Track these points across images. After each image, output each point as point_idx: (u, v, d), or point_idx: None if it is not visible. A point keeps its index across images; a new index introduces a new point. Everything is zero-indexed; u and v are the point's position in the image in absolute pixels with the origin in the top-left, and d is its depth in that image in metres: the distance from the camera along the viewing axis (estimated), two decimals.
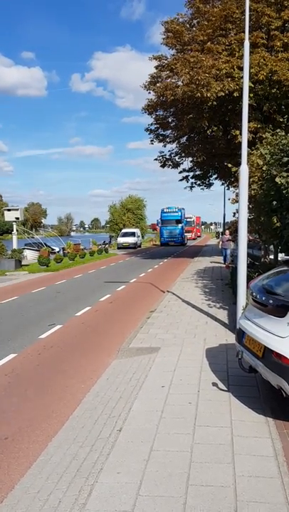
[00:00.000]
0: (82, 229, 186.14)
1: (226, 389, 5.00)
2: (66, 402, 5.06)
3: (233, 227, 27.06)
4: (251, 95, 16.66)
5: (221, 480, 3.20)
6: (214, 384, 5.17)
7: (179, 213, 47.32)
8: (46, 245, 32.12)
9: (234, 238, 18.21)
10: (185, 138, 25.57)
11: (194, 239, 63.19)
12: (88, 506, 2.99)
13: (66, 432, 4.28)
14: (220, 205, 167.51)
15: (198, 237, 73.25)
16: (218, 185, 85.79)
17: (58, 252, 30.89)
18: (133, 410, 4.53)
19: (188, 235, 56.75)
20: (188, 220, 60.03)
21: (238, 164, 7.56)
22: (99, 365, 6.35)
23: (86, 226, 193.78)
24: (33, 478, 3.50)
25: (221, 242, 22.26)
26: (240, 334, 4.82)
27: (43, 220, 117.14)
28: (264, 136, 9.31)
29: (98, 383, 5.59)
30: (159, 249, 40.12)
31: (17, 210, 25.99)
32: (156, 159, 27.24)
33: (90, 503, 3.02)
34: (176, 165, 27.31)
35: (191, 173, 28.21)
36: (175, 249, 38.38)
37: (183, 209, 49.47)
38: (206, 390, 4.98)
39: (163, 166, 27.42)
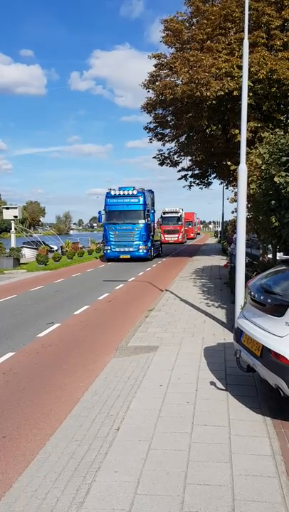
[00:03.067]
0: (90, 227, 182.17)
1: (223, 388, 5.00)
2: (64, 401, 5.06)
3: (231, 226, 26.93)
4: (251, 94, 16.64)
5: (219, 479, 3.21)
6: (212, 383, 5.17)
7: (142, 200, 24.61)
8: (44, 244, 32.07)
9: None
10: (184, 137, 25.53)
11: (182, 242, 44.86)
12: (86, 505, 2.99)
13: (64, 431, 4.28)
14: (219, 204, 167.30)
15: (192, 238, 56.47)
16: (216, 184, 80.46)
17: (56, 250, 30.90)
18: (131, 409, 4.53)
19: (172, 238, 43.15)
20: (169, 215, 44.62)
21: (238, 163, 7.56)
22: (97, 364, 6.35)
23: (95, 225, 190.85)
24: (30, 476, 3.50)
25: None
26: (239, 333, 4.83)
27: (41, 219, 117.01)
28: (263, 135, 9.31)
29: (96, 382, 5.59)
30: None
31: (15, 208, 25.95)
32: (154, 157, 27.24)
33: (87, 502, 3.02)
34: (174, 164, 27.30)
35: (190, 172, 28.20)
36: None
37: (150, 192, 27.52)
38: (204, 389, 4.99)
39: (161, 164, 27.39)
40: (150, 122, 25.64)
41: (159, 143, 26.57)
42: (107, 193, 25.19)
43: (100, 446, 3.81)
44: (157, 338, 7.42)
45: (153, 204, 28.32)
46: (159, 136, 26.25)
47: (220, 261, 22.17)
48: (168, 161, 27.17)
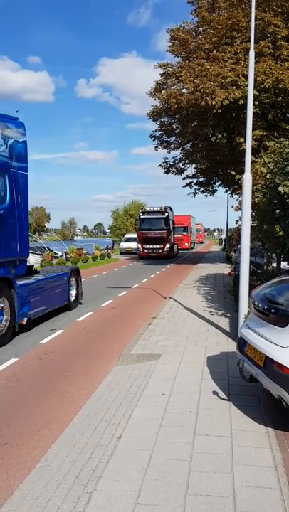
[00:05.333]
0: (102, 233, 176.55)
1: (226, 398, 4.99)
2: (66, 408, 5.06)
3: (236, 235, 26.92)
4: (256, 103, 16.74)
5: (220, 489, 3.19)
6: (215, 392, 5.16)
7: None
8: (49, 249, 32.16)
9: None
10: (189, 145, 25.67)
11: (170, 256, 31.73)
12: None
13: (66, 439, 4.27)
14: (223, 212, 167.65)
15: (186, 249, 44.86)
16: (221, 192, 79.42)
17: (61, 256, 30.96)
18: (133, 418, 4.52)
19: (153, 250, 30.72)
20: (149, 216, 31.51)
21: (242, 172, 7.59)
22: (100, 371, 6.35)
23: (106, 230, 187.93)
24: (31, 484, 3.50)
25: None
26: (242, 343, 4.82)
27: (46, 224, 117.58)
28: (268, 144, 9.35)
29: (99, 389, 5.58)
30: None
31: None
32: (160, 165, 27.39)
33: (88, 511, 3.01)
34: (180, 171, 27.40)
35: (195, 180, 28.32)
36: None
37: (9, 122, 8.41)
38: (207, 399, 4.97)
39: (167, 172, 27.52)
40: (156, 130, 25.85)
41: (165, 150, 26.75)
42: None
43: (102, 455, 3.80)
44: (160, 346, 7.41)
45: (22, 161, 8.96)
46: (165, 143, 26.41)
47: (224, 269, 22.14)
48: (173, 168, 27.31)
